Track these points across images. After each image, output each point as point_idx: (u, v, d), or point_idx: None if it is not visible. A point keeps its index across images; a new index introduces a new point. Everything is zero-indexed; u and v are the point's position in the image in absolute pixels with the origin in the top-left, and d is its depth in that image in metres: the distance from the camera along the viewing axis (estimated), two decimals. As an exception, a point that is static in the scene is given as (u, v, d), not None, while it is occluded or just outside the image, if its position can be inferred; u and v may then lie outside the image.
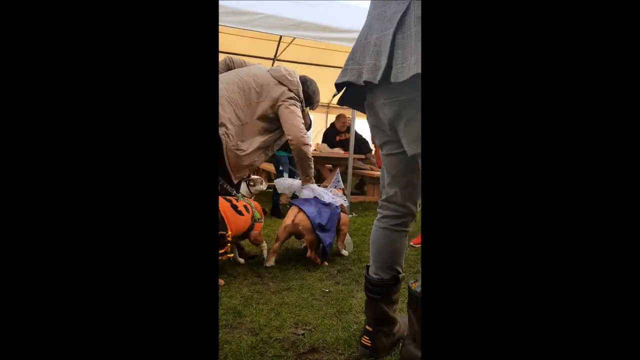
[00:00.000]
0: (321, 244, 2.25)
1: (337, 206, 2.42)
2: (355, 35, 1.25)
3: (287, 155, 3.72)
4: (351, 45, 1.25)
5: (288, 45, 5.45)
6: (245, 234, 2.20)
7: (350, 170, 4.13)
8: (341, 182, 2.79)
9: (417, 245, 3.03)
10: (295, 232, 2.26)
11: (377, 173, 5.11)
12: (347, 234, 2.63)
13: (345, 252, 2.53)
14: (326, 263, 2.30)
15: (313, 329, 1.48)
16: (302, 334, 1.43)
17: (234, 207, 2.11)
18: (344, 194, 2.76)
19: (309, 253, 2.26)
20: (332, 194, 2.50)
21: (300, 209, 2.26)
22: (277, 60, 6.02)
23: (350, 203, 4.10)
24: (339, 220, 2.42)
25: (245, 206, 2.20)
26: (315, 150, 5.75)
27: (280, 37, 4.98)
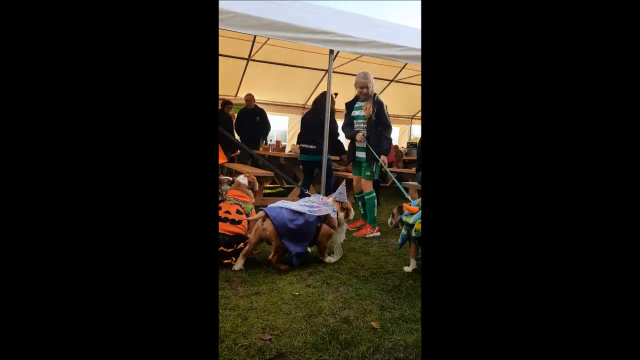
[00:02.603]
0: (287, 253, 2.19)
1: (314, 216, 2.22)
2: (328, 37, 1.21)
3: (320, 160, 3.68)
4: (323, 46, 1.22)
5: (262, 46, 5.40)
6: None
7: (324, 172, 4.11)
8: (344, 195, 2.49)
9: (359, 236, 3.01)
10: (264, 237, 2.22)
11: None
12: (340, 244, 2.47)
13: (329, 260, 2.38)
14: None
15: (281, 334, 1.45)
16: (270, 339, 1.40)
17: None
18: (346, 208, 2.48)
19: (271, 256, 2.21)
20: (321, 202, 2.34)
21: (267, 215, 2.17)
22: (252, 60, 5.96)
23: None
24: (318, 231, 2.27)
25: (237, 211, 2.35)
26: (290, 151, 5.71)
27: (255, 37, 4.93)
